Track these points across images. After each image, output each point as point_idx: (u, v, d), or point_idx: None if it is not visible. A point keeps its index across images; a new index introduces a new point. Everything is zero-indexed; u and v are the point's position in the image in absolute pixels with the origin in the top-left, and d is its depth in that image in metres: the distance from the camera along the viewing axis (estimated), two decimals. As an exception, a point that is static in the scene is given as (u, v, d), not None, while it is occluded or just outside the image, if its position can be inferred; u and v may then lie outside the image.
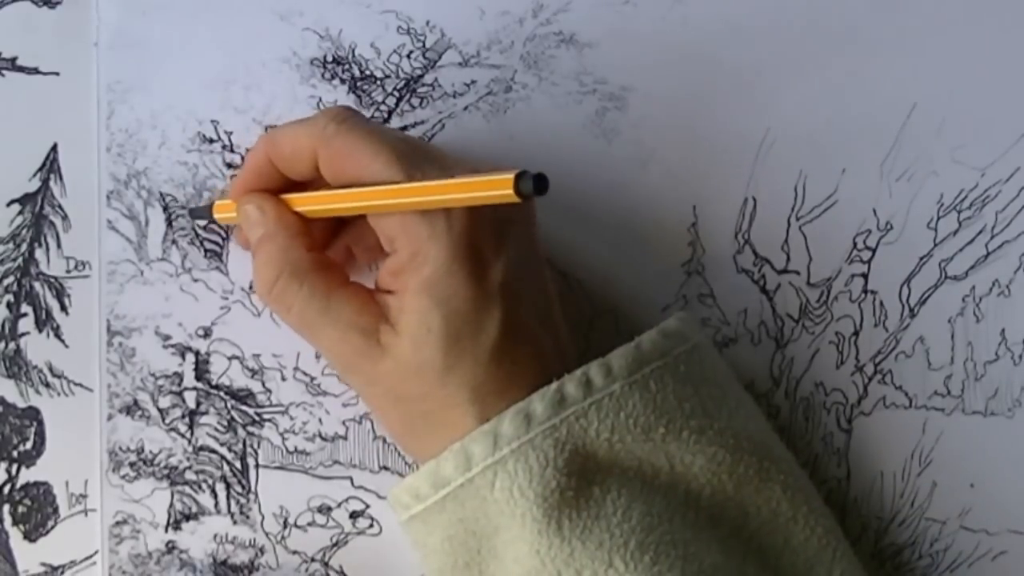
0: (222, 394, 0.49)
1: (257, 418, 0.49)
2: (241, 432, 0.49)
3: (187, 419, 0.48)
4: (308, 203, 0.44)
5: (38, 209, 0.48)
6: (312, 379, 0.49)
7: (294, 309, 0.43)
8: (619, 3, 0.50)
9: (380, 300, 0.42)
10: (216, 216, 0.47)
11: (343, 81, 0.49)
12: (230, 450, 0.49)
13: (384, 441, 0.49)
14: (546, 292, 0.44)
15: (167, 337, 0.49)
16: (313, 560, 0.49)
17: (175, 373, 0.49)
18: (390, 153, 0.41)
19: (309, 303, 0.42)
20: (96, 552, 0.48)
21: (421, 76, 0.49)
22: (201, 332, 0.49)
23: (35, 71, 0.49)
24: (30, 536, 0.48)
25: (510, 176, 0.37)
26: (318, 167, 0.43)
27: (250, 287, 0.49)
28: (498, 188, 0.37)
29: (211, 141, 0.49)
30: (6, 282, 0.48)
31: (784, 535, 0.43)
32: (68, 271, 0.48)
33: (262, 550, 0.48)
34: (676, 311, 0.48)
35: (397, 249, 0.41)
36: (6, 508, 0.48)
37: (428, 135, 0.49)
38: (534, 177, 0.37)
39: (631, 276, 0.50)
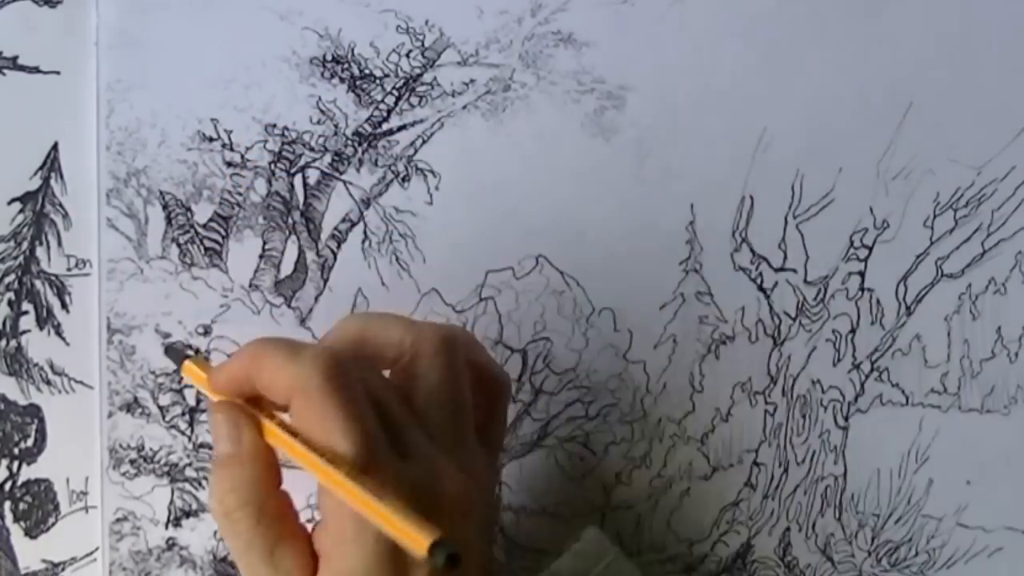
0: (222, 391, 0.49)
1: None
2: (241, 429, 0.49)
3: (187, 416, 0.49)
4: (277, 442, 0.41)
5: (39, 207, 0.49)
6: (312, 377, 0.49)
7: (241, 539, 0.41)
8: (617, 2, 0.50)
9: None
10: (184, 374, 0.45)
11: (342, 80, 0.49)
12: (230, 447, 0.49)
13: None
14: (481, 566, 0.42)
15: (167, 335, 0.49)
16: (313, 557, 0.49)
17: (175, 371, 0.49)
18: (358, 436, 0.39)
19: (255, 543, 0.41)
20: (97, 549, 0.48)
21: (420, 75, 0.50)
22: (201, 330, 0.49)
23: (36, 70, 0.49)
24: (31, 533, 0.48)
25: (426, 542, 0.36)
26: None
27: (249, 285, 0.49)
28: (412, 546, 0.37)
29: (211, 140, 0.49)
30: (7, 280, 0.48)
31: None
32: (69, 269, 0.49)
33: (262, 547, 0.49)
34: (587, 528, 0.47)
35: (328, 529, 0.40)
36: (7, 505, 0.48)
37: (427, 134, 0.50)
38: (448, 555, 0.36)
39: (629, 274, 0.50)
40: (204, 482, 0.49)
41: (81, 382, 0.49)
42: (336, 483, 0.38)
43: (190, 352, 0.48)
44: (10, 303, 0.48)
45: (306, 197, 0.50)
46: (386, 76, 0.50)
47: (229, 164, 0.49)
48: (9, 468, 0.48)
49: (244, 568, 0.42)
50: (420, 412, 0.42)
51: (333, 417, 0.39)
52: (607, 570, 0.44)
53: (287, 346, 0.41)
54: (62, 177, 0.49)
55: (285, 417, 0.41)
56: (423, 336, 0.43)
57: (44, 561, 0.48)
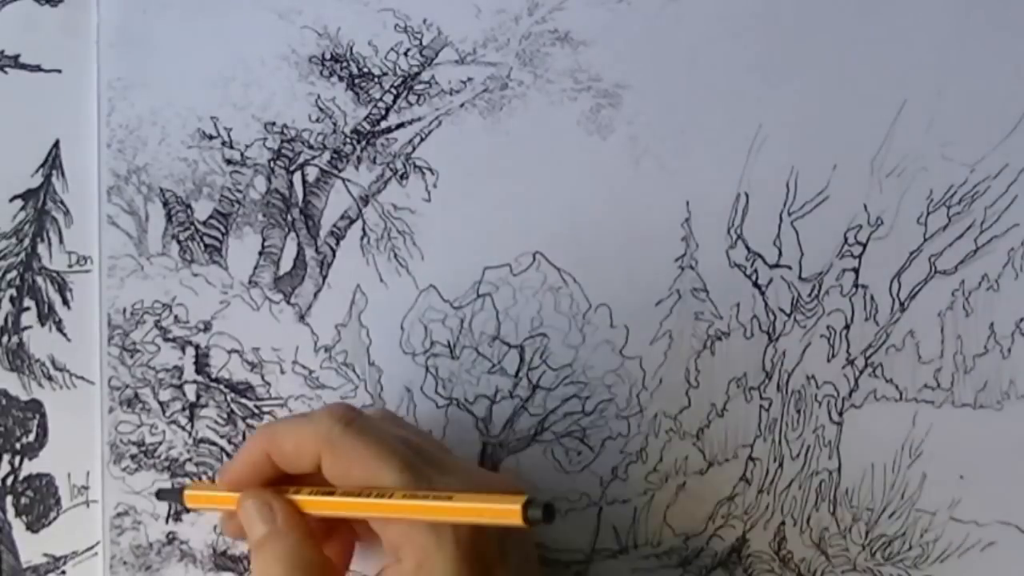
0: (222, 387, 0.49)
1: (256, 411, 0.49)
2: (241, 424, 0.49)
3: (187, 412, 0.49)
4: (317, 507, 0.42)
5: (40, 204, 0.49)
6: (311, 372, 0.49)
7: None
8: (613, 1, 0.50)
9: None
10: (189, 504, 0.45)
11: (341, 78, 0.50)
12: (230, 442, 0.49)
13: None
14: None
15: (167, 331, 0.49)
16: (312, 551, 0.49)
17: (175, 366, 0.49)
18: (399, 461, 0.40)
19: None
20: (97, 543, 0.49)
21: (418, 73, 0.50)
22: (201, 326, 0.49)
23: (37, 68, 0.49)
24: (33, 527, 0.48)
25: (517, 507, 0.37)
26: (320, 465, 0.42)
27: (249, 282, 0.49)
28: (506, 517, 0.37)
29: (211, 137, 0.49)
30: (9, 276, 0.49)
31: None
32: (70, 266, 0.49)
33: (261, 541, 0.49)
34: None
35: (401, 558, 0.41)
36: (9, 499, 0.48)
37: (425, 131, 0.50)
38: (543, 506, 0.37)
39: (625, 271, 0.50)
40: (204, 476, 0.49)
41: (82, 378, 0.49)
42: (399, 508, 0.39)
43: (179, 484, 0.47)
44: (12, 299, 0.49)
45: (305, 194, 0.50)
46: (384, 74, 0.50)
47: (229, 162, 0.50)
48: (11, 463, 0.48)
49: None
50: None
51: (370, 455, 0.41)
52: None
53: (294, 416, 0.44)
54: (63, 174, 0.49)
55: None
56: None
57: (46, 555, 0.48)
